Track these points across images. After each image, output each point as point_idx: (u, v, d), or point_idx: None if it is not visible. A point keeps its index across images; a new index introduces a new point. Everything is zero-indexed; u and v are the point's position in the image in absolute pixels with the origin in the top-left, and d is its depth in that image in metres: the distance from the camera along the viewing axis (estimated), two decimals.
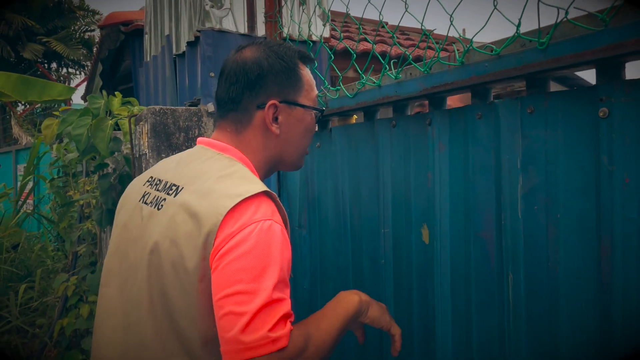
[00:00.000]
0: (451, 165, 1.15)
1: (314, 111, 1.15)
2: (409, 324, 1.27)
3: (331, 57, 1.53)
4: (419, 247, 1.25)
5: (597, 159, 0.84)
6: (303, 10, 2.09)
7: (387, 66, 1.28)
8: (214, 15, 1.92)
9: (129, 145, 2.18)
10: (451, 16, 1.05)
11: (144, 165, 1.91)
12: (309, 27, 2.12)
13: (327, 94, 1.49)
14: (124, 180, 2.77)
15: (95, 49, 4.84)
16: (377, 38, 4.92)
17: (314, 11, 2.18)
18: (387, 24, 5.76)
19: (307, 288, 1.69)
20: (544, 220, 0.94)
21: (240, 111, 1.07)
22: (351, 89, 1.43)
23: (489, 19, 0.99)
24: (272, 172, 1.17)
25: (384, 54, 4.29)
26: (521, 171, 0.97)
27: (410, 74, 1.22)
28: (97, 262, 3.29)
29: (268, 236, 0.87)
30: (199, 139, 1.14)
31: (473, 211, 1.10)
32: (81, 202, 3.50)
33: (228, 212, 0.88)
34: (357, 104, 1.39)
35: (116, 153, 2.75)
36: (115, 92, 2.10)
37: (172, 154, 1.43)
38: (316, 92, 1.16)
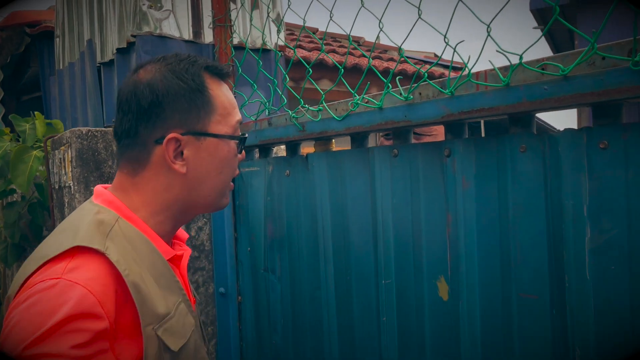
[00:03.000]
0: (480, 206, 0.94)
1: (233, 140, 0.91)
2: None
3: (285, 75, 1.28)
4: (434, 305, 1.03)
5: None
6: (270, 16, 1.83)
7: (389, 85, 1.05)
8: (152, 17, 1.60)
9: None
10: (488, 26, 0.85)
11: (66, 200, 1.55)
12: (267, 33, 1.85)
13: (308, 114, 1.24)
14: (35, 210, 2.34)
15: None
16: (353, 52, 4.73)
17: (268, 16, 1.92)
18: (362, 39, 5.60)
19: (279, 344, 1.42)
20: (625, 283, 0.75)
21: (138, 147, 0.88)
22: (334, 109, 1.19)
23: (543, 34, 0.79)
24: (187, 216, 0.93)
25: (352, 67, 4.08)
26: (589, 220, 0.78)
27: (420, 93, 1.00)
28: (1, 304, 2.79)
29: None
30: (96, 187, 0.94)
31: (515, 265, 0.89)
32: None
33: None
34: (348, 128, 1.15)
35: None
36: (36, 113, 1.72)
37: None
38: (237, 116, 0.92)
